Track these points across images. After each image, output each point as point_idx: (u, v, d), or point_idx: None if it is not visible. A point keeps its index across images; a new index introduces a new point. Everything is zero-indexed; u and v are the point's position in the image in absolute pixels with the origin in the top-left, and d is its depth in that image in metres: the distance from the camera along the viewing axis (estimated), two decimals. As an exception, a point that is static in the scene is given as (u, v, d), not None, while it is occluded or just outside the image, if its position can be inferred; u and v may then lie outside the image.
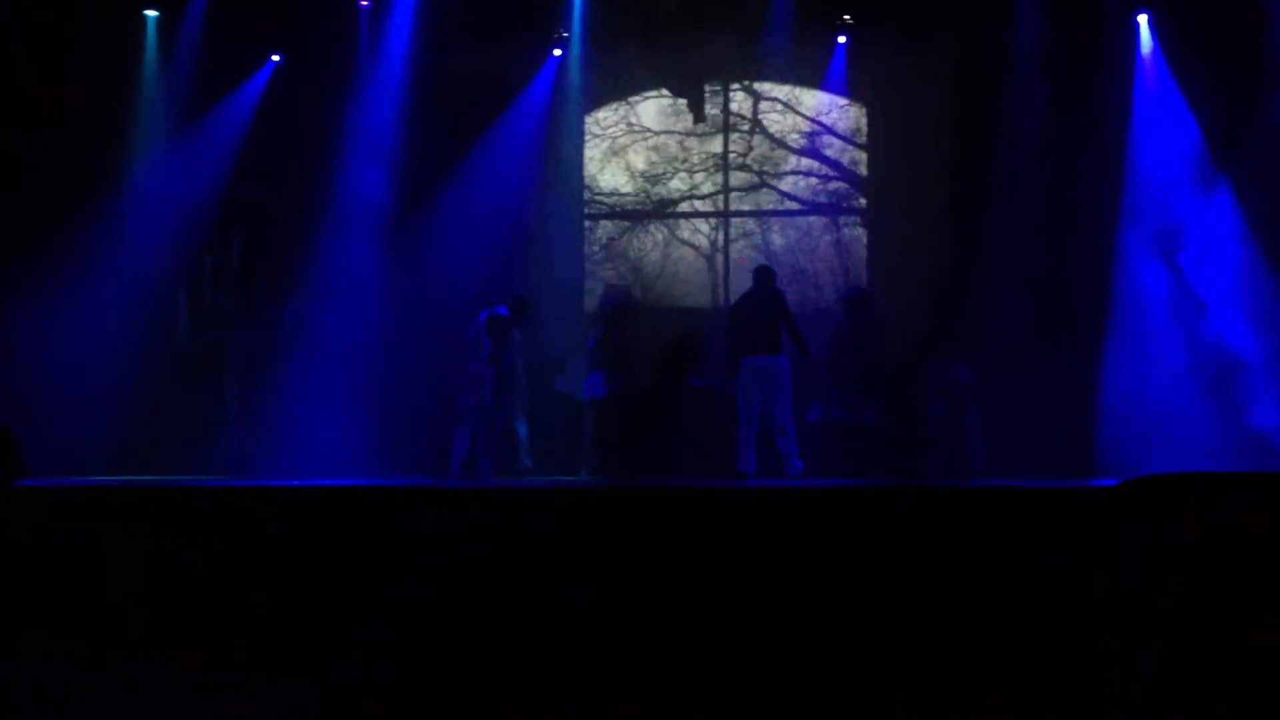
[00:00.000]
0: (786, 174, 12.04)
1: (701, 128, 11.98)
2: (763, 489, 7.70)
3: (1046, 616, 5.55)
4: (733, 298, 11.49)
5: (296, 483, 8.18)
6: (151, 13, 11.00)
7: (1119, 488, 6.16)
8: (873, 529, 6.23)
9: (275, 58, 11.36)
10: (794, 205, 12.08)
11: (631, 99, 12.18)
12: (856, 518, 6.45)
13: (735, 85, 12.01)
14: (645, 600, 5.95)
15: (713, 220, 12.22)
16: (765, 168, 12.08)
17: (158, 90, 11.03)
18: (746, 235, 12.17)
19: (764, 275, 9.71)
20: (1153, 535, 5.60)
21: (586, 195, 12.20)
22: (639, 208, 12.29)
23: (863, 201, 11.87)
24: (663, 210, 12.28)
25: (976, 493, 7.12)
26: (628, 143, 12.24)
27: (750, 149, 12.10)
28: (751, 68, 11.72)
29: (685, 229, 12.31)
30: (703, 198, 12.19)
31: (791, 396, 9.34)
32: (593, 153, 12.22)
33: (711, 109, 11.94)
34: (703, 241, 12.31)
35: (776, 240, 11.98)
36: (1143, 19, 10.56)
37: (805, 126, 11.97)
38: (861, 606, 5.74)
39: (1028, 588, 5.71)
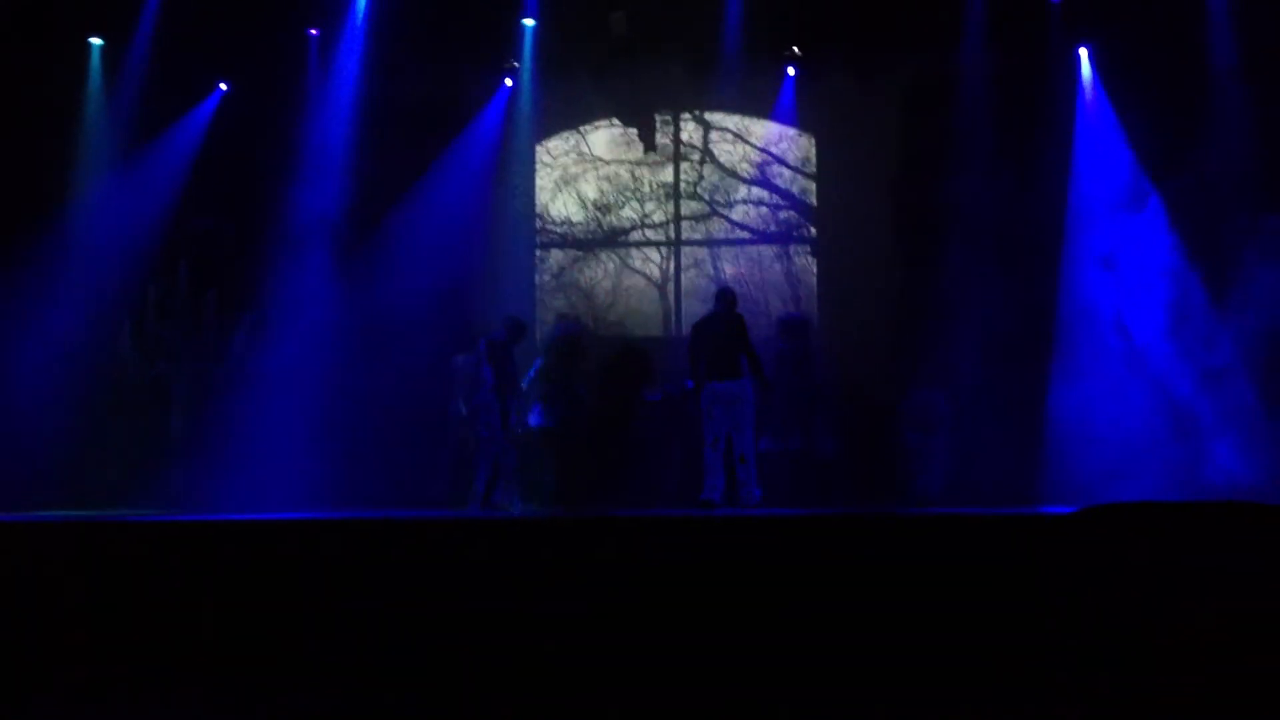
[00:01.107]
0: (737, 203, 12.12)
1: (652, 157, 12.05)
2: (729, 518, 7.69)
3: (1007, 641, 5.59)
4: (685, 326, 11.53)
5: (248, 516, 8.06)
6: (96, 40, 10.87)
7: (1076, 516, 6.25)
8: (841, 557, 6.24)
9: (222, 86, 11.27)
10: (745, 234, 12.16)
11: (582, 128, 12.22)
12: (825, 546, 6.46)
13: (686, 115, 12.10)
14: (609, 633, 5.92)
15: (664, 249, 12.27)
16: (716, 197, 12.16)
17: (103, 118, 10.89)
18: (698, 264, 12.22)
19: (725, 298, 9.47)
20: (1110, 562, 5.67)
21: (538, 224, 12.22)
22: (590, 237, 12.31)
23: (813, 230, 11.97)
24: (614, 239, 12.31)
25: (935, 520, 7.16)
26: (579, 172, 12.27)
27: (701, 178, 12.18)
28: (702, 98, 11.83)
29: (637, 258, 12.34)
30: (654, 227, 12.24)
31: (754, 424, 9.18)
32: (544, 181, 12.24)
33: (662, 138, 12.02)
34: (654, 270, 12.34)
35: (727, 269, 12.04)
36: (1084, 52, 10.78)
37: (755, 156, 12.08)
38: (831, 636, 5.76)
39: (990, 613, 5.76)
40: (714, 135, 12.16)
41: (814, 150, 11.83)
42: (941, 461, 9.75)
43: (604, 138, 12.21)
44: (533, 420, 10.21)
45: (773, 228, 12.07)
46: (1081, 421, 9.88)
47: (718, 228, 12.18)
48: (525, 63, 11.36)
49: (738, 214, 12.14)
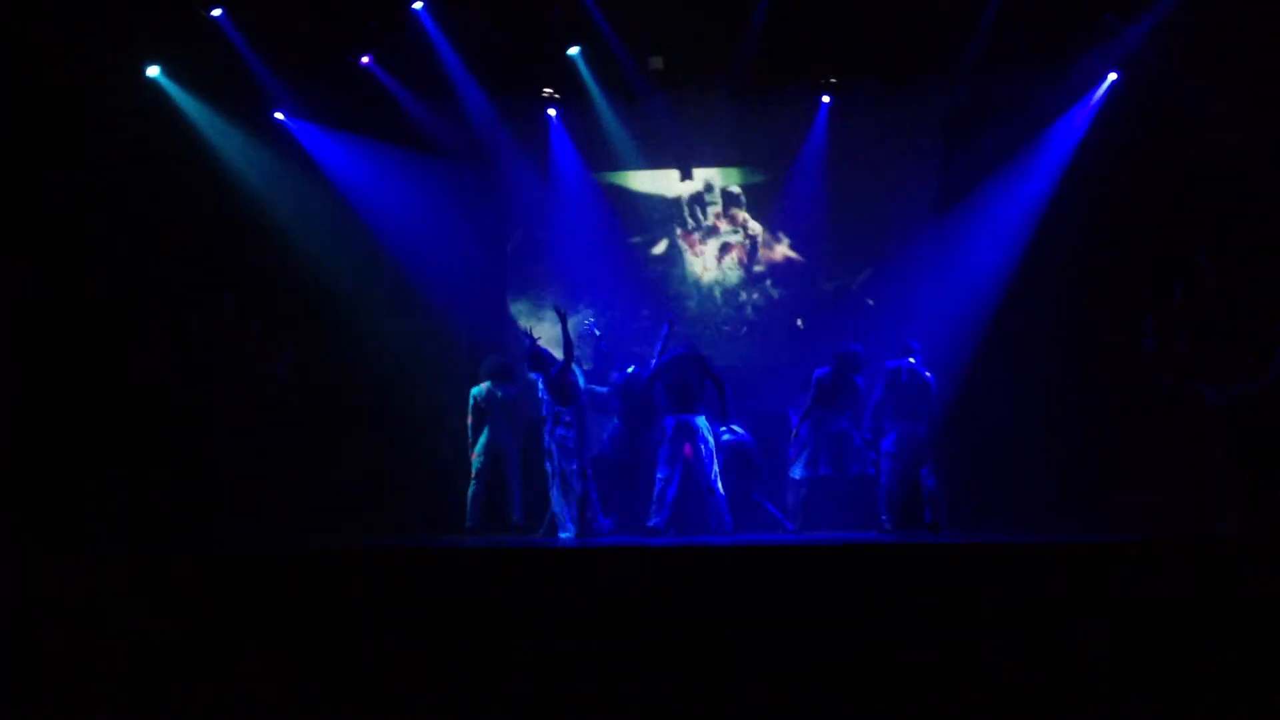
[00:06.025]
0: (781, 235, 12.06)
1: (690, 189, 12.09)
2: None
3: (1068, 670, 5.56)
4: (738, 359, 11.49)
5: (292, 545, 8.21)
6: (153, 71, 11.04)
7: (1143, 544, 6.23)
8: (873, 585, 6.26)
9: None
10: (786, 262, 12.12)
11: (621, 162, 12.16)
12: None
13: (722, 146, 12.06)
14: (626, 661, 5.98)
15: (707, 281, 12.25)
16: (758, 230, 12.11)
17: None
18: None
19: (675, 333, 9.95)
20: (1176, 591, 5.66)
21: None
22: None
23: (855, 259, 11.84)
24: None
25: (1001, 549, 7.11)
26: (619, 206, 12.31)
27: (741, 209, 12.16)
28: (738, 130, 11.79)
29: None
30: (695, 258, 12.20)
31: (715, 457, 9.34)
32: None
33: (700, 169, 12.05)
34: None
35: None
36: (1112, 76, 10.72)
37: (794, 187, 12.01)
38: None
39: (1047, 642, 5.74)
40: (751, 167, 12.15)
41: (852, 179, 11.72)
42: (936, 489, 9.64)
43: (643, 173, 12.19)
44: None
45: (814, 258, 11.98)
46: (1135, 447, 9.81)
47: (759, 259, 12.13)
48: (570, 96, 11.46)
49: (782, 246, 12.08)
